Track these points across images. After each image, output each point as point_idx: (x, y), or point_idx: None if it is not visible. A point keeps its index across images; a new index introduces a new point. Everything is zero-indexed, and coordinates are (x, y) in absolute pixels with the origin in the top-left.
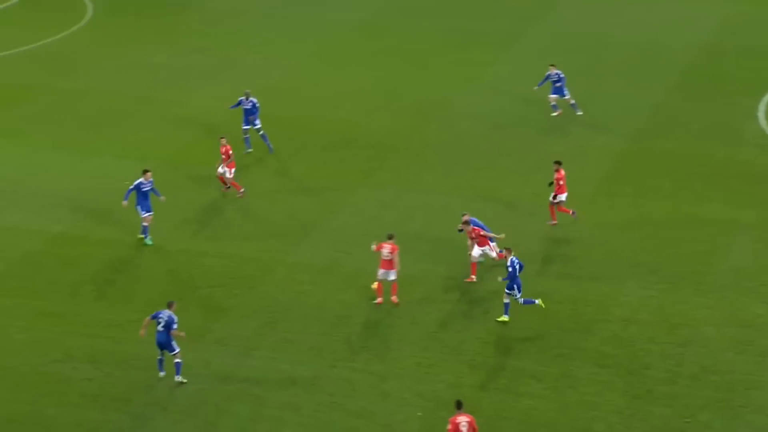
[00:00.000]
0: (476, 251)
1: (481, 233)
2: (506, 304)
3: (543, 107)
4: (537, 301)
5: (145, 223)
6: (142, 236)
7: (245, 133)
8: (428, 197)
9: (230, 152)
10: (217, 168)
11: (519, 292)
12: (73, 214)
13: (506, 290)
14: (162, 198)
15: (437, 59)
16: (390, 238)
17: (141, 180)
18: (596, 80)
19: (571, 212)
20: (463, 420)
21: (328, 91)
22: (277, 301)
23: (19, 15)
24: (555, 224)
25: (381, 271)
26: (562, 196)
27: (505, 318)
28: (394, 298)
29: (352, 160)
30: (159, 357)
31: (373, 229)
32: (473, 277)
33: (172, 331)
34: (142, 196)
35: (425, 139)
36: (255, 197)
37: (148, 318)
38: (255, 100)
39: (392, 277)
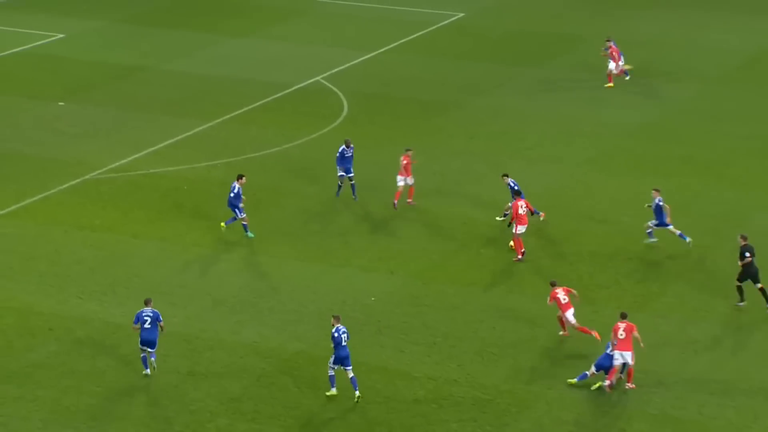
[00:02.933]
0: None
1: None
2: (331, 377)
3: None
4: (357, 393)
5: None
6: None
7: (340, 181)
8: (717, 329)
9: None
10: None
11: (335, 365)
12: (313, 331)
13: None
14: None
15: (734, 169)
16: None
17: (235, 183)
18: None
19: (520, 254)
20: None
21: (603, 202)
22: None
23: (273, 114)
24: (520, 258)
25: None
26: (522, 228)
27: (333, 392)
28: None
29: (629, 282)
30: (143, 355)
31: (651, 366)
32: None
33: (160, 324)
34: (234, 198)
35: (717, 261)
36: (517, 321)
37: (134, 325)
38: (353, 148)
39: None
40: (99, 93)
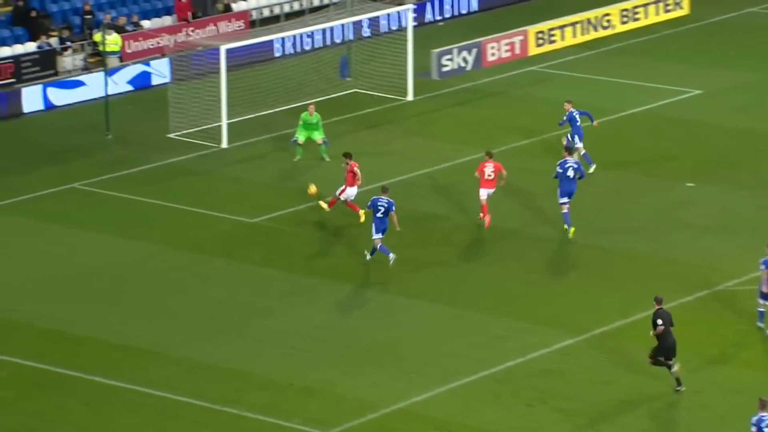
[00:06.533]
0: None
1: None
2: None
3: None
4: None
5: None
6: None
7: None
8: None
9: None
10: None
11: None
12: None
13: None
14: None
15: None
16: None
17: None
18: None
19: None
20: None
21: None
22: None
23: None
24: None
25: None
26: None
27: None
28: None
29: None
30: (381, 245)
31: None
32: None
33: (392, 213)
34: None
35: None
36: None
37: (367, 209)
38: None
39: None
40: (742, 173)
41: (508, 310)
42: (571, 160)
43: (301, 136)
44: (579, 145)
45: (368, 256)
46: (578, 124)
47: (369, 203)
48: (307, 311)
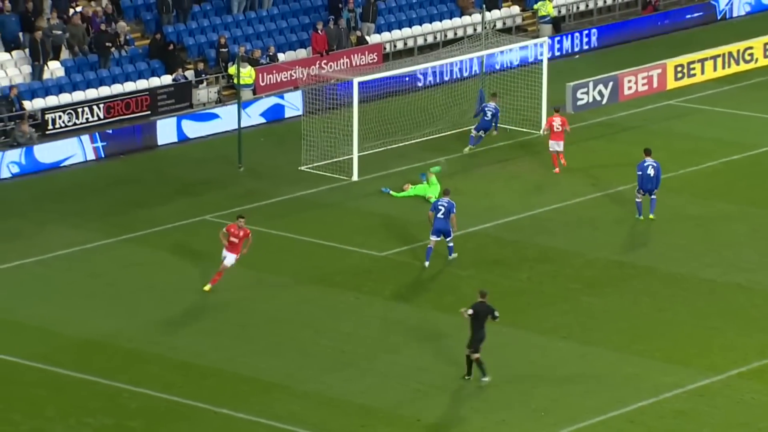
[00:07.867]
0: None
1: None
2: None
3: None
4: None
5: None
6: None
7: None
8: None
9: None
10: None
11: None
12: None
13: None
14: None
15: None
16: None
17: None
18: None
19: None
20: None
21: None
22: None
23: None
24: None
25: None
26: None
27: None
28: None
29: None
30: (429, 246)
31: None
32: None
33: (452, 215)
34: None
35: None
36: None
37: (430, 212)
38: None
39: None
40: None
41: (640, 348)
42: (650, 160)
43: (433, 192)
44: (474, 132)
45: (426, 264)
46: (487, 119)
47: (431, 207)
48: (435, 347)
